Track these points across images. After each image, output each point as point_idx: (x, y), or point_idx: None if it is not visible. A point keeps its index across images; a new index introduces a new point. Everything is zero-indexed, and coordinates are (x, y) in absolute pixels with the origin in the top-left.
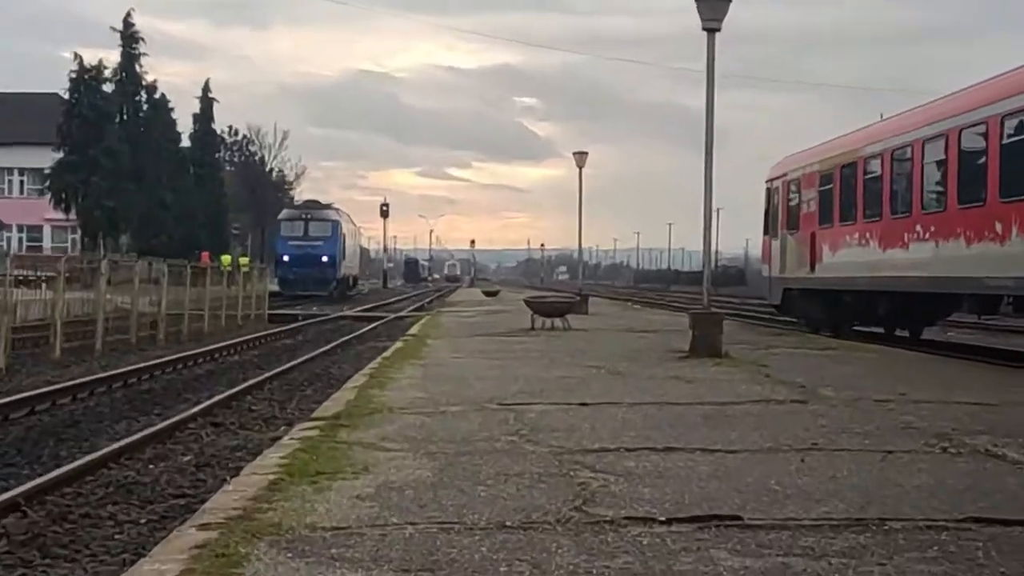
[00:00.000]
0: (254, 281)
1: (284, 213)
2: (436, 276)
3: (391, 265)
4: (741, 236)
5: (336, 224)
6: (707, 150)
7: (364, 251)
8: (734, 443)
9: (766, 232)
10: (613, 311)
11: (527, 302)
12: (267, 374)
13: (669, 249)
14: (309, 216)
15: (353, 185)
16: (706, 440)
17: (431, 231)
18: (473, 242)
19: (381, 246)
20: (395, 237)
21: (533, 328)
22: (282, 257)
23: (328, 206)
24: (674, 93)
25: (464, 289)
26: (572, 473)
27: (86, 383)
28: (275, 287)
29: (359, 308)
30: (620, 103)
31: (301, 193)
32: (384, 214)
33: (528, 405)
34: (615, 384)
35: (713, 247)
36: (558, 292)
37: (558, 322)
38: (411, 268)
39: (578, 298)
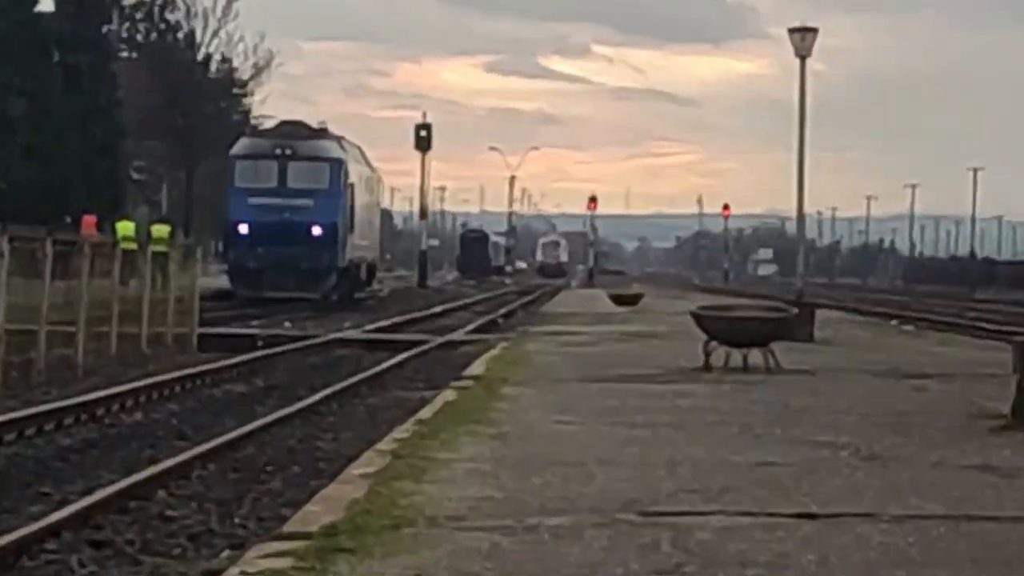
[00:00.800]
0: (175, 270)
1: (242, 145)
2: (521, 264)
3: (436, 244)
4: None
5: (338, 167)
6: None
7: (386, 217)
8: None
9: None
10: (861, 336)
11: (696, 318)
12: (198, 450)
13: (973, 220)
14: (289, 151)
15: (364, 88)
16: None
17: (511, 179)
18: (594, 201)
19: (415, 207)
20: (443, 190)
21: (708, 367)
22: (237, 227)
23: (323, 132)
24: None
25: (574, 291)
26: None
27: None
28: (222, 282)
29: (374, 324)
30: None
31: (264, 104)
32: (423, 145)
33: (697, 516)
34: (867, 478)
35: None
36: (755, 300)
37: (756, 357)
38: (473, 250)
39: (794, 311)
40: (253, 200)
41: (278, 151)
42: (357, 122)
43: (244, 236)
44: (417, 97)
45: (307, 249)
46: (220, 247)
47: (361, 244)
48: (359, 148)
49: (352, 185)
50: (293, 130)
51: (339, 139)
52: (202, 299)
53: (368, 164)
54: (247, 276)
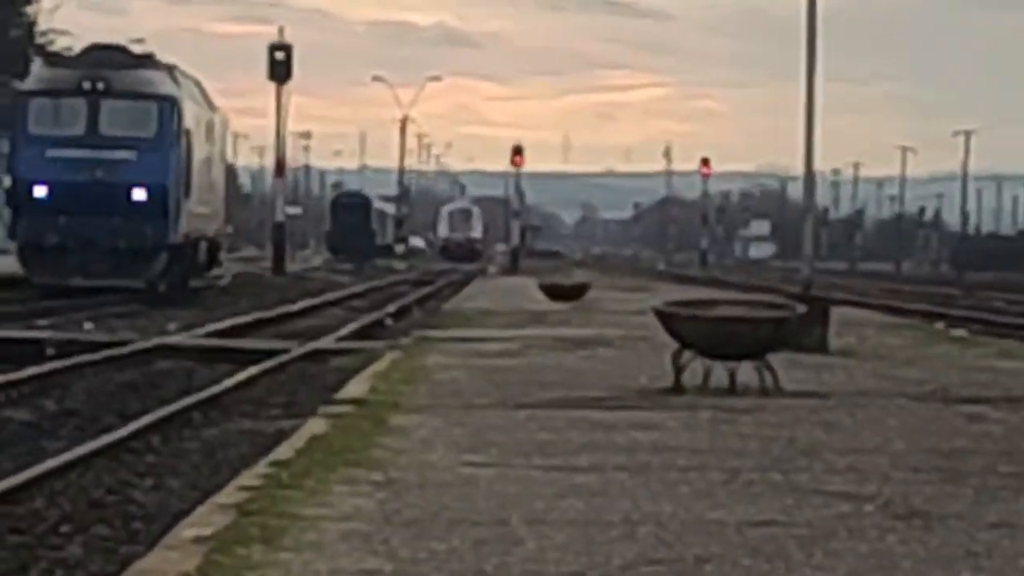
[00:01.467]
0: None
1: (37, 78)
2: (418, 242)
3: (297, 212)
4: None
5: (169, 107)
6: None
7: (230, 175)
8: None
9: None
10: (893, 345)
11: (663, 318)
12: None
13: None
14: (102, 86)
15: None
16: None
17: (403, 121)
18: (519, 154)
19: (268, 161)
20: (307, 137)
21: (680, 387)
22: (31, 189)
23: (149, 59)
24: None
25: (492, 279)
26: None
27: None
28: (7, 264)
29: (210, 327)
30: None
31: (55, 16)
32: (280, 73)
33: None
34: (902, 544)
35: None
36: (746, 294)
37: (748, 373)
38: (349, 222)
39: (800, 310)
40: (52, 152)
41: (87, 85)
42: (184, 40)
43: (41, 202)
44: (270, 6)
45: (127, 220)
46: (9, 213)
47: (200, 213)
48: (197, 82)
49: (188, 132)
50: (107, 56)
51: (170, 68)
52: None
53: (209, 103)
54: (45, 257)
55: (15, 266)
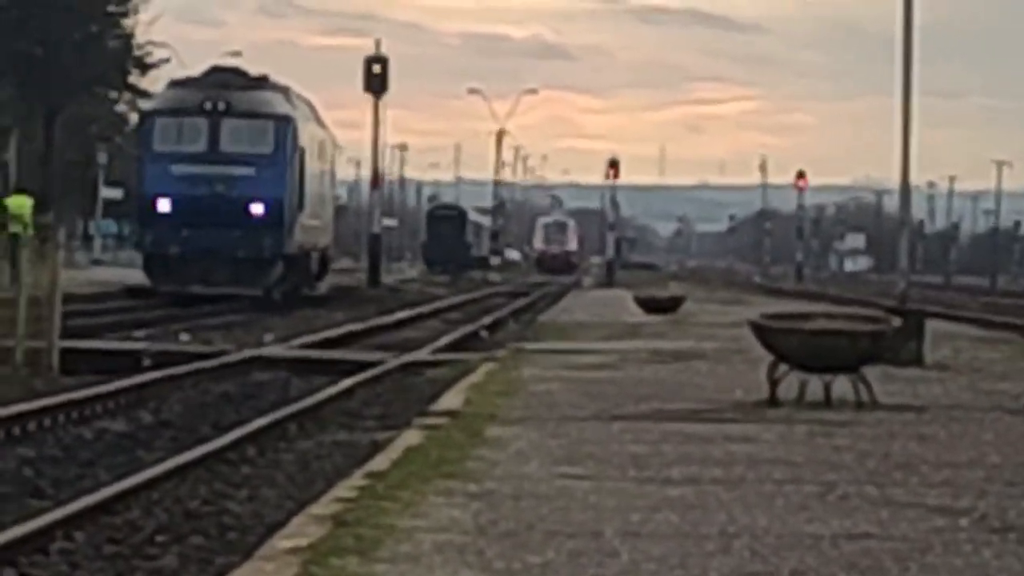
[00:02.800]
0: (28, 258)
1: (162, 98)
2: (513, 255)
3: (393, 224)
4: None
5: (285, 126)
6: None
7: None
8: None
9: None
10: (990, 359)
11: (759, 331)
12: (60, 513)
13: None
14: (223, 106)
15: (289, 6)
16: None
17: (499, 134)
18: (615, 167)
19: (364, 173)
20: (403, 149)
21: (775, 400)
22: (155, 203)
23: (264, 81)
24: None
25: (587, 292)
26: None
27: None
28: (130, 271)
29: (307, 338)
30: None
31: (153, 27)
32: (377, 86)
33: None
34: (998, 558)
35: None
36: (841, 307)
37: (843, 387)
38: (445, 233)
39: (896, 323)
40: (176, 168)
41: (208, 105)
42: (280, 53)
43: (165, 215)
44: (365, 19)
45: (245, 232)
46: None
47: (312, 225)
48: (309, 103)
49: (302, 150)
50: (227, 78)
51: (285, 90)
52: (87, 298)
53: (320, 122)
54: (168, 267)
55: (130, 272)
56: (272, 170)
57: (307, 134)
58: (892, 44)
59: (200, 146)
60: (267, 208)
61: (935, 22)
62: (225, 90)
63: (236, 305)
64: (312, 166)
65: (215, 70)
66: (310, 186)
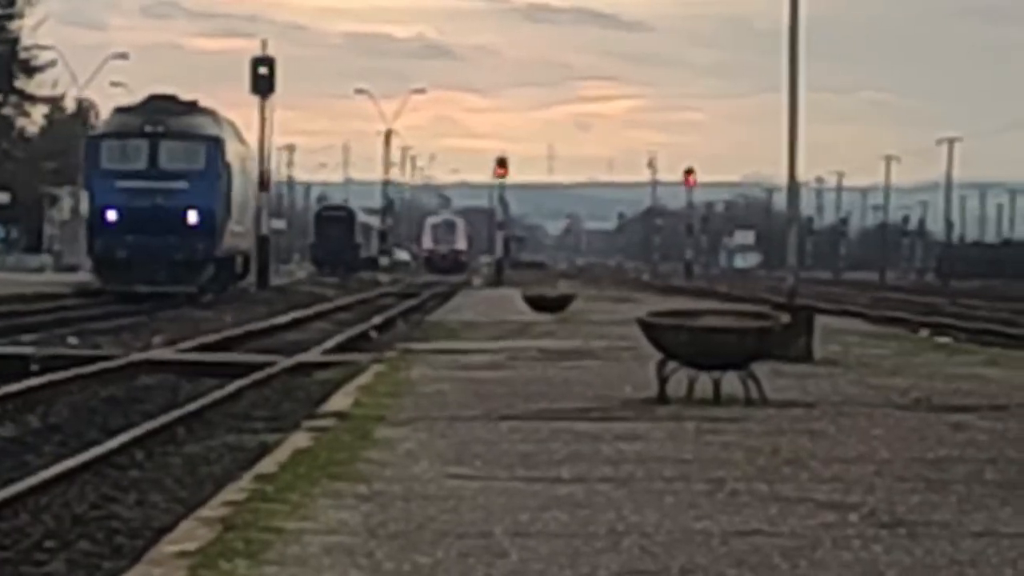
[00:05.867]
0: None
1: (108, 122)
2: (403, 255)
3: (281, 226)
4: None
5: (215, 146)
6: None
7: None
8: None
9: None
10: (879, 354)
11: (647, 329)
12: None
13: None
14: (161, 129)
15: (172, 7)
16: None
17: (387, 134)
18: (503, 166)
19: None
20: (291, 150)
21: (664, 398)
22: (103, 214)
23: (195, 106)
24: None
25: (476, 291)
26: None
27: None
28: (81, 274)
29: (194, 341)
30: None
31: (39, 31)
32: (264, 87)
33: None
34: (887, 553)
35: None
36: (731, 304)
37: (732, 383)
38: (334, 234)
39: (785, 319)
40: (121, 183)
41: (148, 129)
42: (165, 55)
43: (112, 224)
44: (249, 20)
45: (182, 238)
46: (86, 234)
47: (238, 231)
48: (232, 123)
49: (229, 165)
50: (163, 105)
51: (214, 114)
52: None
53: (242, 140)
54: (115, 269)
55: (82, 274)
56: (204, 184)
57: (232, 152)
58: (780, 40)
59: (142, 164)
60: (200, 217)
61: (823, 18)
62: (162, 115)
63: (129, 308)
64: (237, 179)
65: (153, 98)
66: (236, 197)
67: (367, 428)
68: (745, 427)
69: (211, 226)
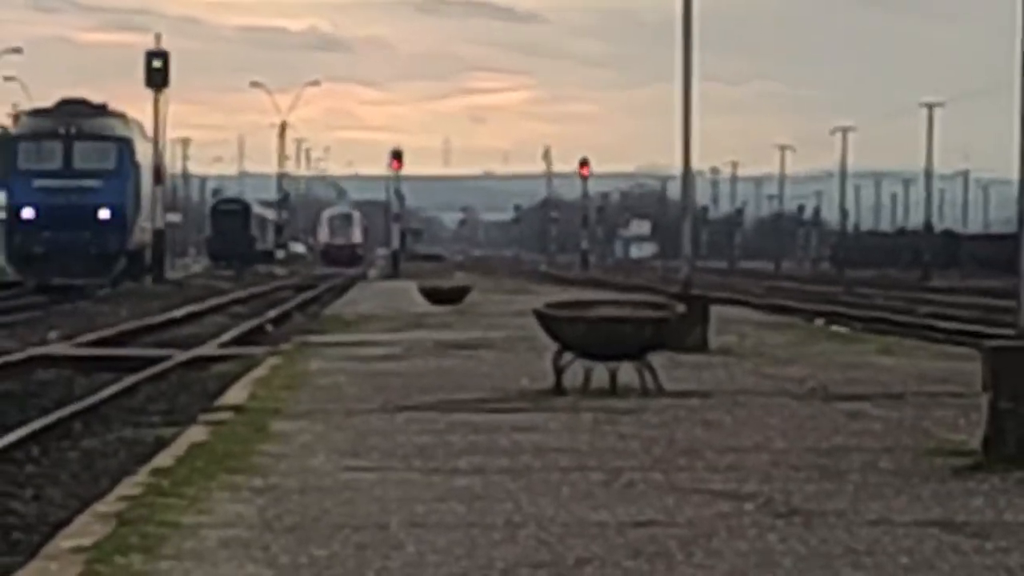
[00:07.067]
0: None
1: (24, 125)
2: (299, 248)
3: (176, 220)
4: None
5: (125, 144)
6: None
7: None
8: None
9: None
10: (774, 343)
11: (543, 320)
12: None
13: (928, 178)
14: (74, 131)
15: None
16: None
17: (282, 127)
18: (398, 159)
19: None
20: (185, 144)
21: (561, 389)
22: (20, 212)
23: (105, 109)
24: None
25: (373, 284)
26: None
27: None
28: None
29: (91, 335)
30: None
31: None
32: (158, 80)
33: None
34: (782, 541)
35: None
36: (626, 294)
37: (629, 374)
38: (229, 228)
39: (680, 309)
40: (37, 182)
41: (62, 131)
42: (57, 49)
43: (29, 221)
44: (142, 14)
45: (95, 233)
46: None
47: (146, 227)
48: (139, 124)
49: (138, 164)
50: (76, 108)
51: (123, 116)
52: None
53: (148, 140)
54: (32, 263)
55: None
56: (115, 182)
57: (141, 151)
58: (672, 31)
59: (56, 164)
60: (112, 213)
61: (715, 8)
62: (75, 118)
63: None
64: (145, 178)
65: (65, 102)
66: (144, 194)
67: (263, 421)
68: (641, 417)
69: (122, 222)
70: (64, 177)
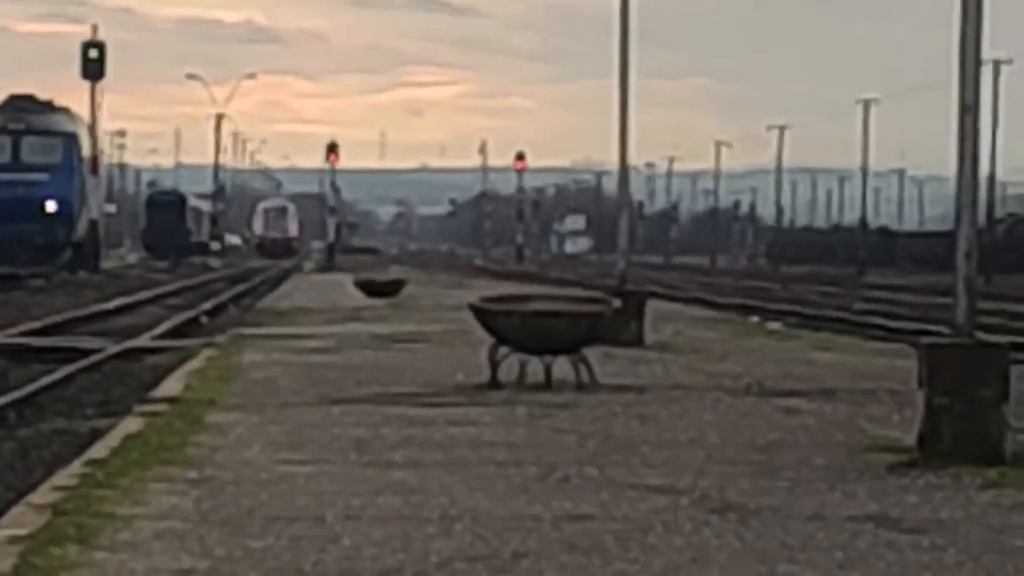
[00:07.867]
0: None
1: None
2: (234, 240)
3: (112, 210)
4: None
5: (71, 140)
6: None
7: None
8: None
9: None
10: (709, 338)
11: (479, 314)
12: None
13: (864, 175)
14: (22, 126)
15: None
16: None
17: (218, 119)
18: (334, 151)
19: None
20: (121, 135)
21: (496, 383)
22: None
23: (52, 105)
24: None
25: (308, 276)
26: None
27: None
28: None
29: (26, 324)
30: None
31: None
32: (94, 71)
33: None
34: (717, 537)
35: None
36: (561, 289)
37: (564, 368)
38: (164, 219)
39: (616, 304)
40: None
41: (11, 126)
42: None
43: None
44: (77, 5)
45: (43, 225)
46: None
47: (91, 218)
48: (84, 120)
49: (84, 159)
50: (23, 104)
51: (68, 111)
52: None
53: (93, 135)
54: None
55: None
56: (62, 176)
57: (86, 146)
58: (609, 26)
59: (5, 158)
60: (59, 205)
61: (654, 4)
62: (23, 113)
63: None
64: (90, 174)
65: (13, 98)
66: (89, 187)
67: (198, 413)
68: (576, 412)
69: (68, 214)
70: (12, 171)
